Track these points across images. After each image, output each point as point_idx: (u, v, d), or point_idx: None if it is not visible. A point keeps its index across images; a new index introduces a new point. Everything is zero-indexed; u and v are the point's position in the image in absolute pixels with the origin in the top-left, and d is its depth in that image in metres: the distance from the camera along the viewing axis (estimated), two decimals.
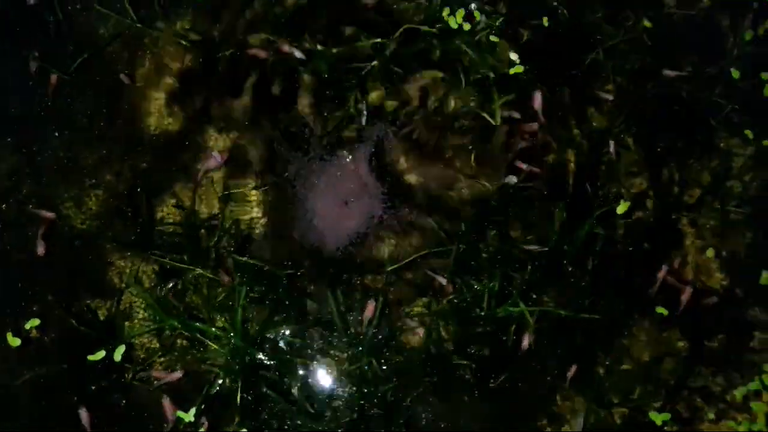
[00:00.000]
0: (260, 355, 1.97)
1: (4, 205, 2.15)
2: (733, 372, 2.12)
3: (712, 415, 2.08)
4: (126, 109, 2.24)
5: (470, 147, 2.23)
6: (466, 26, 2.27)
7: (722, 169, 2.29)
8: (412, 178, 2.22)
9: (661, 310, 2.12)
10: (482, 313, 2.03)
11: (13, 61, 2.26)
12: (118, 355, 1.95)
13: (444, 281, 2.08)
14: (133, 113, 2.24)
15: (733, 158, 2.30)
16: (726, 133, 2.31)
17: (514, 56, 2.27)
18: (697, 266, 2.22)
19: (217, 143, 2.24)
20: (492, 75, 2.21)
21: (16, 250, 2.11)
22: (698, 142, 2.30)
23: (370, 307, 2.04)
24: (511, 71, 2.24)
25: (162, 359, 2.02)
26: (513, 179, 2.16)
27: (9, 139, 2.20)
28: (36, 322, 2.01)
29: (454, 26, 2.26)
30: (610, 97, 2.27)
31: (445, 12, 2.29)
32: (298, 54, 2.22)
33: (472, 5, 2.30)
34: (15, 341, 1.99)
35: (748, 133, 2.28)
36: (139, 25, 2.28)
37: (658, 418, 2.03)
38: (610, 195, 2.21)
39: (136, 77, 2.28)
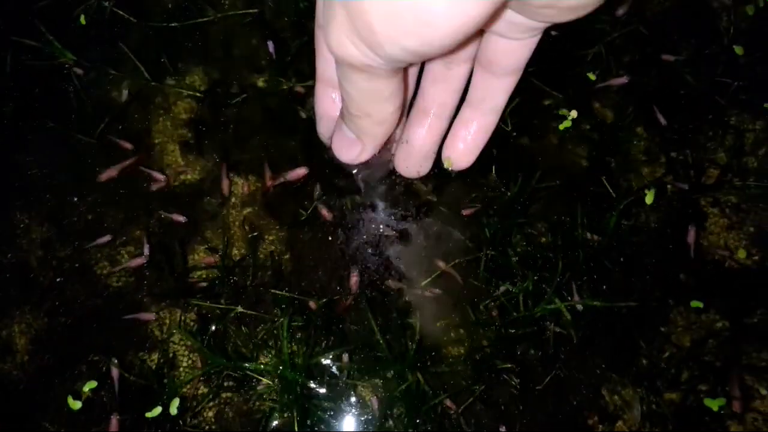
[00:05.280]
0: (311, 384, 1.99)
1: (41, 276, 2.20)
2: None
3: (764, 391, 2.07)
4: (146, 165, 2.31)
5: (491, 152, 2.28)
6: None
7: (736, 146, 2.31)
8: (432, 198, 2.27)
9: (696, 303, 2.13)
10: (518, 316, 2.05)
11: (34, 132, 2.34)
12: (173, 408, 1.97)
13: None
14: (152, 168, 2.30)
15: (745, 135, 2.33)
16: (736, 111, 2.34)
17: None
18: (725, 245, 2.23)
19: (236, 187, 2.30)
20: None
21: (61, 314, 2.16)
22: (709, 122, 2.33)
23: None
24: None
25: (212, 403, 2.05)
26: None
27: (34, 210, 2.26)
28: (93, 384, 2.03)
29: None
30: (624, 80, 2.31)
31: None
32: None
33: None
34: (75, 404, 2.00)
35: None
36: (153, 83, 2.36)
37: (714, 404, 2.02)
38: (630, 186, 2.24)
39: (152, 133, 2.35)
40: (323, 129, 0.82)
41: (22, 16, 2.43)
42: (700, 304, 2.13)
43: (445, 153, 0.82)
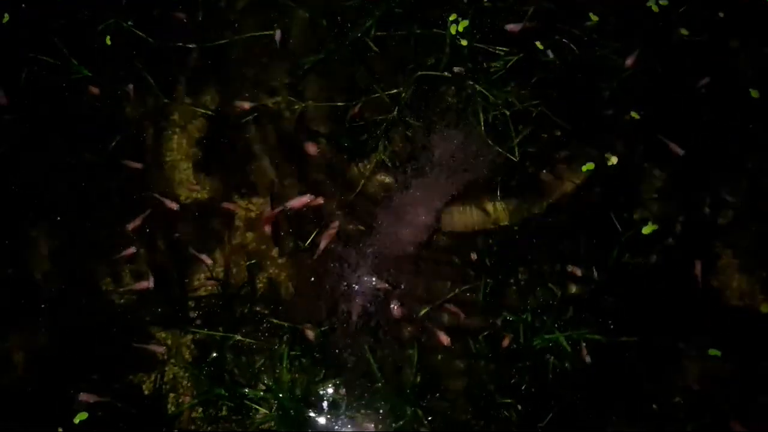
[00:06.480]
0: (310, 413, 1.96)
1: (45, 290, 2.20)
2: None
3: None
4: (157, 182, 2.32)
5: (495, 183, 2.25)
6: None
7: (752, 188, 2.26)
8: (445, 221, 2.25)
9: (714, 352, 2.06)
10: (518, 347, 2.01)
11: (45, 148, 2.36)
12: None
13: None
14: (164, 185, 2.31)
15: (761, 178, 2.27)
16: (753, 152, 2.30)
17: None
18: (738, 286, 2.17)
19: (240, 212, 2.29)
20: (507, 112, 2.24)
21: (62, 330, 2.15)
22: (725, 163, 2.29)
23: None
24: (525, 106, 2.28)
25: (210, 428, 2.02)
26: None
27: (44, 224, 2.27)
28: (84, 415, 2.01)
29: (453, 32, 2.33)
30: (680, 152, 2.27)
31: (452, 17, 2.35)
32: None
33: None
34: None
35: None
36: (166, 100, 2.38)
37: None
38: (637, 221, 2.20)
39: (164, 151, 2.36)
40: None
41: (41, 33, 2.46)
42: (718, 353, 2.07)
43: None
